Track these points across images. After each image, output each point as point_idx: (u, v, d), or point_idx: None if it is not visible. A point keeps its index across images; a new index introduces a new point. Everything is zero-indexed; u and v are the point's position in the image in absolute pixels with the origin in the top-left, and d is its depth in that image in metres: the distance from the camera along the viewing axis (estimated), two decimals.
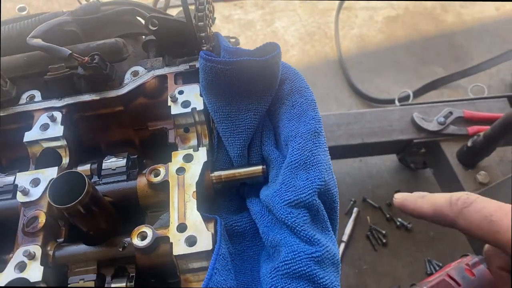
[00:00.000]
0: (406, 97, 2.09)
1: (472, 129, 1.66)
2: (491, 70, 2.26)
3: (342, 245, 1.81)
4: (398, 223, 1.85)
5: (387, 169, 2.00)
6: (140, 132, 0.82)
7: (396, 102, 2.04)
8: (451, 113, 1.70)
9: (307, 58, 2.38)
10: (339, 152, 1.75)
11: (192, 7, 0.80)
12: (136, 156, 0.77)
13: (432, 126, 1.68)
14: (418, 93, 2.18)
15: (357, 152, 1.82)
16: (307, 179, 0.62)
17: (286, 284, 0.56)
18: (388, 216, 1.87)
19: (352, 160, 2.00)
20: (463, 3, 2.58)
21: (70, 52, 0.75)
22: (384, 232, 1.83)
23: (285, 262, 0.56)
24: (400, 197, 0.56)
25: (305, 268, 0.55)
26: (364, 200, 1.92)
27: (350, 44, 2.43)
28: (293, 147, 0.66)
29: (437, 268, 1.73)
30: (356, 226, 1.87)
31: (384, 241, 1.81)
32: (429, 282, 1.32)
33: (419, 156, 1.80)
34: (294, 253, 0.57)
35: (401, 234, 1.85)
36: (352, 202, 1.91)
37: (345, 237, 1.83)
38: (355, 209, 1.89)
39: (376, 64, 2.35)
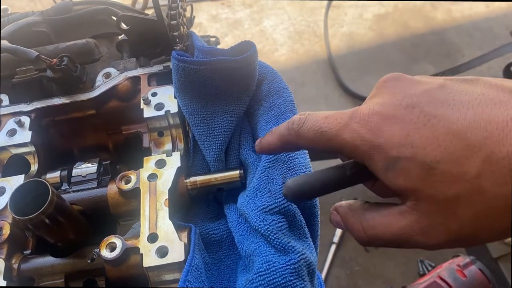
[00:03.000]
0: None
1: None
2: (482, 67, 2.24)
3: (333, 247, 1.79)
4: None
5: None
6: (114, 136, 0.79)
7: None
8: None
9: (296, 57, 2.35)
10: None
11: (166, 6, 0.77)
12: (108, 162, 0.73)
13: None
14: None
15: None
16: (283, 183, 0.59)
17: None
18: None
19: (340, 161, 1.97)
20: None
21: (37, 54, 0.72)
22: None
23: (259, 274, 0.53)
24: (257, 143, 0.55)
25: (280, 279, 0.52)
26: (355, 199, 1.89)
27: (339, 43, 2.41)
28: None
29: (430, 269, 1.71)
30: None
31: None
32: (420, 284, 1.29)
33: None
34: (268, 263, 0.53)
35: None
36: None
37: (336, 239, 1.80)
38: None
39: (366, 62, 2.32)
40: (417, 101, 0.41)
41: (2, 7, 1.27)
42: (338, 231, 1.81)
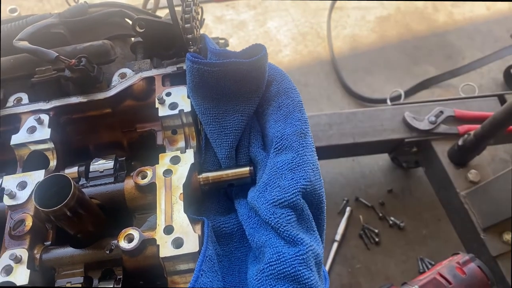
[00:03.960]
0: (398, 97, 2.09)
1: (462, 128, 1.67)
2: (482, 69, 2.27)
3: (335, 245, 1.82)
4: (390, 222, 1.86)
5: (379, 169, 2.01)
6: (129, 134, 0.82)
7: (388, 101, 2.05)
8: (442, 112, 1.70)
9: (300, 58, 2.38)
10: (331, 151, 1.75)
11: (179, 9, 0.80)
12: (124, 158, 0.77)
13: (423, 125, 1.69)
14: (409, 92, 2.19)
15: (349, 151, 1.83)
16: (292, 179, 0.63)
17: (272, 285, 0.56)
18: (380, 215, 1.87)
19: (345, 160, 2.00)
20: (454, 2, 2.59)
21: (57, 54, 0.75)
22: (376, 231, 1.84)
23: (270, 264, 0.57)
24: None
25: (289, 269, 0.56)
26: (357, 199, 1.92)
27: (342, 44, 2.43)
28: (279, 148, 0.67)
29: (430, 267, 1.74)
30: (349, 225, 1.87)
31: (377, 240, 1.82)
32: (420, 280, 1.33)
33: (411, 155, 1.81)
34: (278, 254, 0.57)
35: (394, 233, 1.85)
36: (344, 202, 1.91)
37: (338, 237, 1.83)
38: (348, 209, 1.89)
39: (369, 64, 2.35)
40: None
41: (10, 7, 1.30)
42: (340, 229, 1.84)
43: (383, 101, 2.12)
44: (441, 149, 1.66)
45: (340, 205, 1.91)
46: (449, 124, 1.69)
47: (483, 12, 2.56)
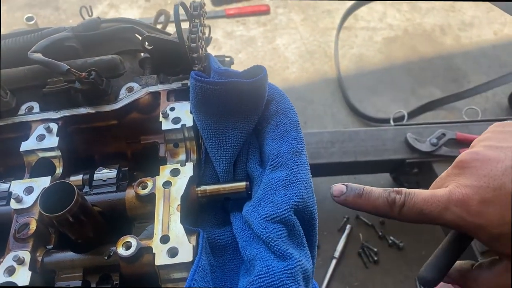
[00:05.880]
0: (401, 117, 2.12)
1: (464, 151, 1.68)
2: (487, 93, 2.29)
3: (334, 261, 1.83)
4: (390, 241, 1.87)
5: (381, 188, 2.02)
6: (133, 145, 0.86)
7: (391, 121, 2.07)
8: (444, 134, 1.72)
9: (306, 75, 2.42)
10: (333, 169, 1.78)
11: (187, 27, 0.84)
12: (127, 168, 0.80)
13: (425, 147, 1.71)
14: (413, 113, 2.21)
15: (350, 169, 1.85)
16: (285, 195, 0.65)
17: None
18: (380, 234, 1.89)
19: (346, 178, 2.02)
20: (462, 26, 2.62)
21: (68, 67, 0.79)
22: (376, 249, 1.85)
23: (259, 276, 0.59)
24: (338, 194, 0.61)
25: (277, 282, 0.58)
26: (357, 217, 1.94)
27: (349, 63, 2.47)
28: (275, 165, 0.70)
29: None
30: (349, 243, 1.88)
31: (375, 258, 1.83)
32: None
33: (412, 176, 1.82)
34: (268, 267, 0.59)
35: (393, 252, 1.86)
36: (345, 219, 1.93)
37: (337, 254, 1.84)
38: (348, 226, 1.91)
39: (374, 84, 2.39)
40: (501, 182, 0.51)
41: (28, 15, 1.36)
42: (339, 246, 1.85)
43: (387, 121, 2.14)
44: (442, 171, 1.66)
45: (340, 222, 1.93)
46: (451, 147, 1.71)
47: (490, 37, 2.59)
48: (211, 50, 2.24)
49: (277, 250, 0.61)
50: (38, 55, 0.83)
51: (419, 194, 0.56)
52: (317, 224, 0.71)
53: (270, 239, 0.62)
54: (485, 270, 0.57)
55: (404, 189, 0.58)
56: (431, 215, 0.54)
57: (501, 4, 1.75)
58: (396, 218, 0.58)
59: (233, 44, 2.54)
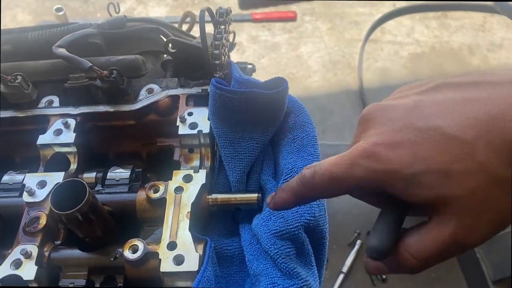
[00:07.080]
0: None
1: None
2: None
3: (341, 276, 1.80)
4: None
5: None
6: (148, 146, 0.86)
7: None
8: None
9: (328, 85, 2.41)
10: None
11: (211, 32, 0.84)
12: (141, 169, 0.80)
13: None
14: None
15: None
16: (297, 212, 0.64)
17: None
18: None
19: None
20: (491, 46, 2.57)
21: (90, 64, 0.80)
22: None
23: None
24: (269, 200, 0.57)
25: None
26: (369, 233, 1.91)
27: (372, 76, 2.45)
28: (288, 179, 0.68)
29: None
30: (358, 258, 1.86)
31: (384, 277, 1.80)
32: None
33: None
34: (273, 285, 0.58)
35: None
36: (356, 234, 1.90)
37: (345, 269, 1.82)
38: (358, 242, 1.88)
39: None
40: (406, 122, 0.46)
41: (57, 6, 1.37)
42: (348, 261, 1.83)
43: None
44: None
45: (351, 237, 1.90)
46: None
47: None
48: (235, 53, 2.24)
49: (284, 267, 0.60)
50: (62, 50, 0.83)
51: (328, 160, 0.51)
52: (327, 244, 0.70)
53: (278, 256, 0.61)
54: (413, 235, 0.48)
55: (314, 163, 0.53)
56: (342, 177, 0.48)
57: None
58: (308, 196, 0.53)
59: (256, 49, 2.53)
